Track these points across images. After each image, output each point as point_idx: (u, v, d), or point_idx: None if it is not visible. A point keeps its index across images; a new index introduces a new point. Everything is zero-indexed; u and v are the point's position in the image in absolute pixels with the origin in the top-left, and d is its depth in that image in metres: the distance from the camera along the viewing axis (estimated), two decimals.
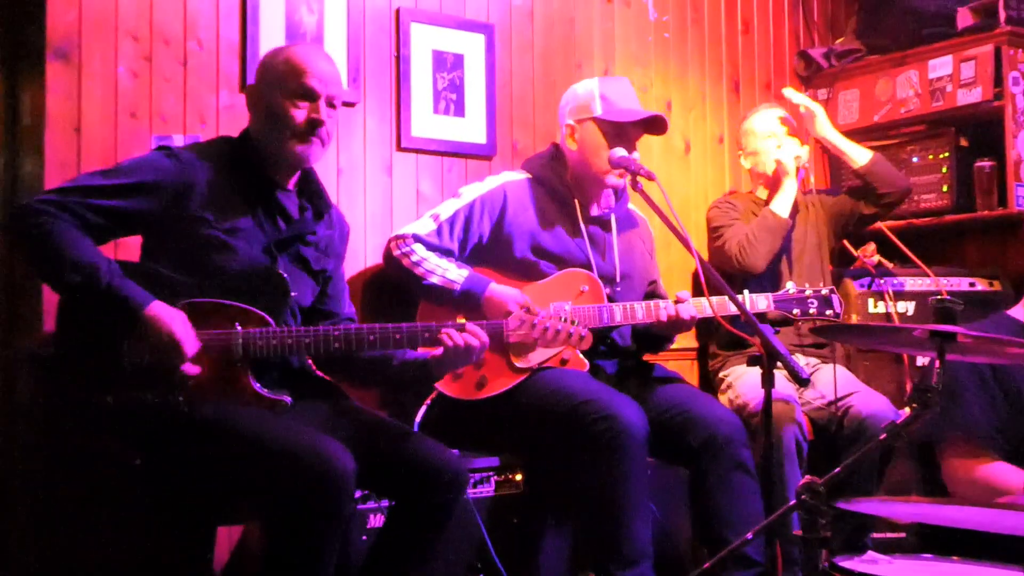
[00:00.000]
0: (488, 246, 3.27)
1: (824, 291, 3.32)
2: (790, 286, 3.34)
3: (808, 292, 3.31)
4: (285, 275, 2.60)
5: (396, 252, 3.17)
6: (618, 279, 3.35)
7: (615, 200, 3.42)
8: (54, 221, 2.41)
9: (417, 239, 3.18)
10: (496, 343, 2.74)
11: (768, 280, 3.73)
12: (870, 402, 3.45)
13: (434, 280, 3.12)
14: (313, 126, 2.65)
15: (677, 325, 3.19)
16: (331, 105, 2.70)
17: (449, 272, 3.13)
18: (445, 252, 3.21)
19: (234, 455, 2.41)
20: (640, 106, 3.38)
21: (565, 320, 2.75)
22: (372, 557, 2.68)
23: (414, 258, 3.15)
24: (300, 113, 2.65)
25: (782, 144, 3.90)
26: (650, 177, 3.09)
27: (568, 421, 2.97)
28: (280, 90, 2.66)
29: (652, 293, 3.51)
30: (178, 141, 3.13)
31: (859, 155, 3.93)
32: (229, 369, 2.51)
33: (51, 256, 2.40)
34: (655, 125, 3.34)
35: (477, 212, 3.26)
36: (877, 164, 3.92)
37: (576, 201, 3.34)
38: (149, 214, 2.55)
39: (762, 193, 3.98)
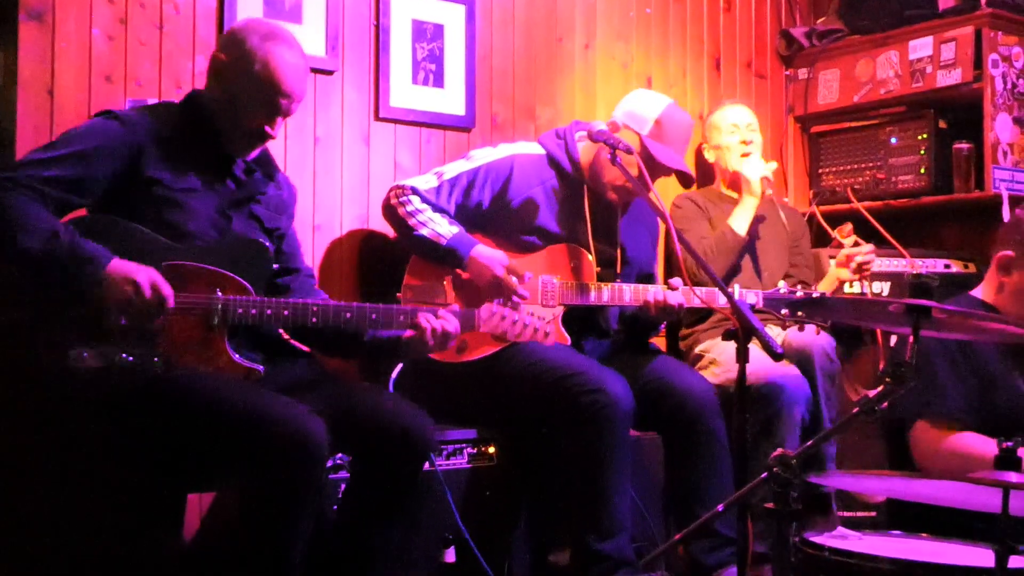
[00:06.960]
0: (487, 214, 3.26)
1: (815, 294, 3.33)
2: (781, 285, 3.33)
3: (799, 293, 3.31)
4: (269, 246, 2.62)
5: (393, 201, 3.19)
6: (619, 266, 3.34)
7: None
8: (9, 195, 2.37)
9: (415, 191, 3.18)
10: (467, 330, 2.76)
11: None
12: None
13: (424, 232, 3.12)
14: (263, 137, 2.67)
15: (666, 311, 3.18)
16: (287, 115, 2.70)
17: (440, 227, 3.13)
18: (440, 210, 3.20)
19: (206, 422, 2.42)
20: (686, 150, 3.36)
21: (533, 315, 2.79)
22: (337, 522, 2.68)
23: (409, 208, 3.16)
24: (258, 121, 2.64)
25: (750, 154, 3.86)
26: (629, 151, 3.09)
27: (553, 393, 2.98)
28: (248, 90, 2.63)
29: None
30: None
31: None
32: (206, 333, 2.52)
33: (7, 225, 2.35)
34: (682, 176, 3.32)
35: (480, 179, 3.25)
36: None
37: (585, 186, 3.31)
38: (104, 180, 2.53)
39: (725, 190, 3.97)
